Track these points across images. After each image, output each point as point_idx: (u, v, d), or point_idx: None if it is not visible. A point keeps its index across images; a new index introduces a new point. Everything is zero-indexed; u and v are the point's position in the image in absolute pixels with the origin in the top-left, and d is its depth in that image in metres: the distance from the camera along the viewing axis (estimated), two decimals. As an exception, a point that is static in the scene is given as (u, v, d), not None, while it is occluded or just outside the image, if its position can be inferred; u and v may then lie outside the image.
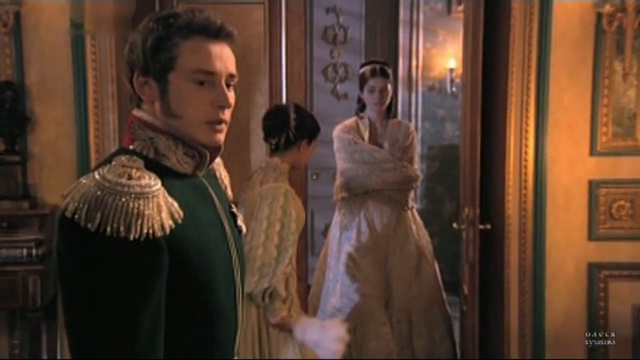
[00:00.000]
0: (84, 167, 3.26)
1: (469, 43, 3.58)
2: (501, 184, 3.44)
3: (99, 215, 1.17)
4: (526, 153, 3.37)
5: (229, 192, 1.64)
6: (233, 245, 1.46)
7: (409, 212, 3.90)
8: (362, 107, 3.90)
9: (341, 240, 3.88)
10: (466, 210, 3.43)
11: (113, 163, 1.26)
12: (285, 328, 2.68)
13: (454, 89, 5.76)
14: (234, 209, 1.57)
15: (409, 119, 5.73)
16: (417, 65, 5.80)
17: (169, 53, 1.35)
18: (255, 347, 2.71)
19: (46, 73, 3.31)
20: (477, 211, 3.31)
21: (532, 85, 3.35)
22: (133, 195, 1.21)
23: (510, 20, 3.35)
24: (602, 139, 3.37)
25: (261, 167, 2.87)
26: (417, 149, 4.10)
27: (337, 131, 3.92)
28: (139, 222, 1.19)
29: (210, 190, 1.48)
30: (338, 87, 5.95)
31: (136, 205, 1.20)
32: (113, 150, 3.38)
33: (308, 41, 5.07)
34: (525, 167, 3.38)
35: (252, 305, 2.70)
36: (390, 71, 3.83)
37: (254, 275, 2.66)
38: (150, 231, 1.20)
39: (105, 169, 1.23)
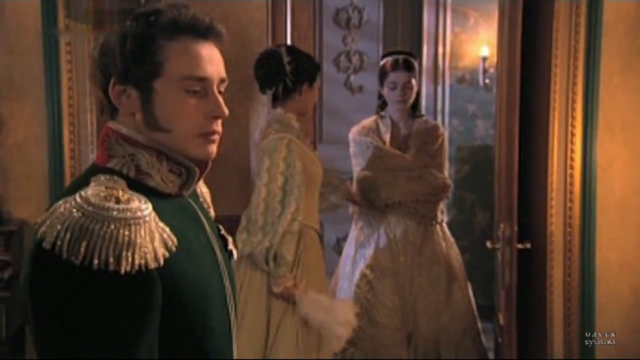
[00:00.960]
0: (57, 176, 3.26)
1: (505, 28, 3.57)
2: (543, 195, 3.42)
3: (84, 245, 1.17)
4: (572, 159, 3.36)
5: (212, 212, 1.65)
6: (225, 271, 1.48)
7: (438, 227, 3.85)
8: (382, 104, 3.85)
9: (356, 258, 3.84)
10: (501, 226, 3.42)
11: (93, 184, 1.25)
12: (289, 300, 2.80)
13: (487, 80, 5.72)
14: (223, 231, 1.58)
15: (435, 116, 5.71)
16: (444, 53, 5.77)
17: (154, 57, 1.34)
18: (257, 318, 2.85)
19: (14, 67, 3.32)
20: (515, 228, 3.29)
21: (580, 80, 3.34)
22: (123, 222, 1.20)
23: (553, 3, 3.32)
24: (662, 143, 3.34)
25: (267, 121, 3.08)
26: (447, 153, 4.03)
27: (353, 133, 3.87)
28: (130, 252, 1.19)
29: (199, 211, 1.48)
30: (352, 78, 5.92)
31: (126, 232, 1.19)
32: (92, 156, 3.45)
33: (317, 25, 5.06)
34: (572, 175, 3.36)
35: (256, 269, 2.84)
36: (415, 63, 3.77)
37: (257, 235, 2.80)
38: (143, 262, 1.20)
39: (89, 191, 1.22)
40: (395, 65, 3.69)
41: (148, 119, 1.36)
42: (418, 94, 3.81)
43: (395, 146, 3.80)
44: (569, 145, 3.36)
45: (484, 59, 5.71)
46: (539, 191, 3.47)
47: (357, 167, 3.83)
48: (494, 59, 5.67)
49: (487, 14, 5.67)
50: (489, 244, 3.64)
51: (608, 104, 3.34)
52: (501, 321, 3.62)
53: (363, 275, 3.74)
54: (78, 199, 1.21)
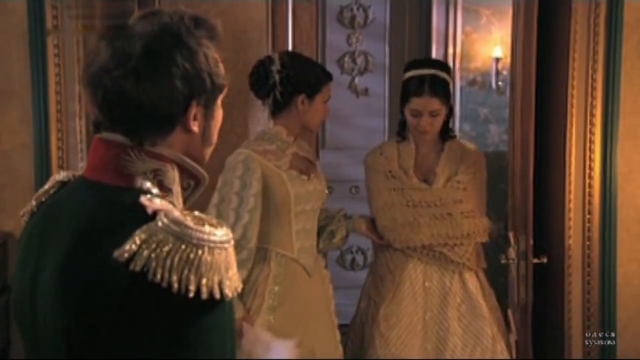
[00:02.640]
0: (43, 185, 3.23)
1: (519, 28, 3.57)
2: (560, 206, 3.40)
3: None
4: (591, 167, 3.34)
5: None
6: None
7: (474, 277, 3.30)
8: (402, 124, 3.36)
9: (370, 313, 3.32)
10: (516, 238, 3.40)
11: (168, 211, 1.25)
12: (238, 332, 2.59)
13: (500, 83, 5.69)
14: None
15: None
16: (455, 53, 5.75)
17: (221, 69, 1.41)
18: None
19: (-2, 70, 3.30)
20: (530, 241, 3.28)
21: (599, 84, 3.32)
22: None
23: (571, 2, 3.31)
24: (687, 152, 3.33)
25: (258, 133, 3.06)
26: (486, 185, 3.42)
27: (368, 158, 3.40)
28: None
29: None
30: (357, 80, 5.90)
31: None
32: (81, 165, 3.42)
33: (320, 25, 5.04)
34: (590, 185, 3.35)
35: None
36: (446, 81, 3.24)
37: None
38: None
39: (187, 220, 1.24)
40: (418, 89, 3.16)
41: (205, 135, 1.42)
42: (450, 109, 3.28)
43: (419, 176, 3.29)
44: (588, 153, 3.34)
45: (497, 60, 5.69)
46: (555, 202, 3.46)
47: (372, 200, 3.35)
48: (508, 60, 5.65)
49: (501, 13, 5.65)
50: (503, 259, 3.61)
51: (629, 109, 3.32)
52: (514, 339, 3.59)
53: (380, 335, 3.23)
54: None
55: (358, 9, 5.87)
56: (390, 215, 3.26)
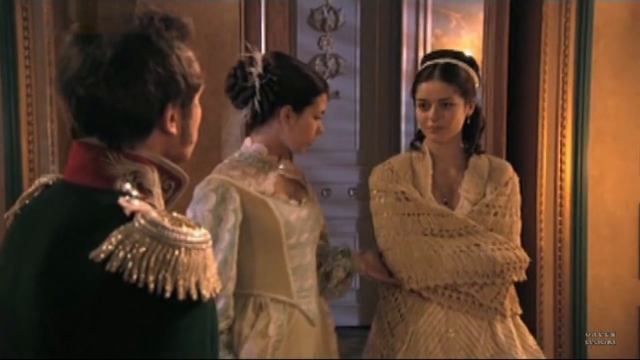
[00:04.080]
0: (14, 193, 3.20)
1: (491, 31, 3.58)
2: (532, 210, 3.42)
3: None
4: (562, 171, 3.37)
5: None
6: None
7: (509, 323, 2.68)
8: (418, 135, 2.77)
9: None
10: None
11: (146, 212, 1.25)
12: None
13: (470, 86, 5.75)
14: None
15: (415, 125, 5.71)
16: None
17: (195, 69, 1.40)
18: None
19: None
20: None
21: (570, 88, 3.36)
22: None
23: (542, 6, 3.35)
24: (655, 154, 3.38)
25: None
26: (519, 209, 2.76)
27: (375, 176, 2.74)
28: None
29: None
30: (328, 83, 5.91)
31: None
32: (53, 168, 3.39)
33: (292, 28, 5.04)
34: (562, 188, 3.38)
35: None
36: (466, 72, 2.63)
37: None
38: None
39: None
40: (429, 72, 2.60)
41: (184, 135, 1.42)
42: (472, 118, 2.67)
43: (439, 199, 2.67)
44: (559, 156, 3.38)
45: (467, 63, 5.74)
46: (527, 206, 3.46)
47: (379, 229, 2.69)
48: (478, 64, 5.71)
49: (470, 16, 5.69)
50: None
51: (599, 112, 3.37)
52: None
53: None
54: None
55: (329, 12, 5.88)
56: (404, 247, 2.61)
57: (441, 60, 2.61)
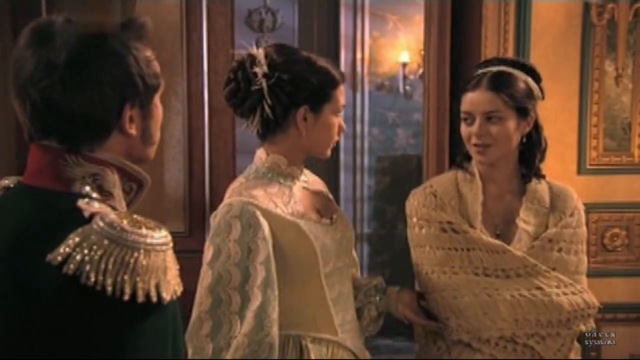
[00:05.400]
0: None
1: (432, 33, 3.60)
2: (474, 209, 3.44)
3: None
4: (502, 171, 3.40)
5: None
6: None
7: None
8: (466, 154, 2.33)
9: None
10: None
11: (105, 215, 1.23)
12: None
13: (407, 87, 5.81)
14: None
15: (354, 125, 5.74)
16: (363, 58, 5.84)
17: (153, 69, 1.39)
18: None
19: None
20: (447, 243, 3.29)
21: (509, 89, 3.39)
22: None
23: (482, 9, 3.39)
24: (592, 155, 3.45)
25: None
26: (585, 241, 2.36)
27: (415, 201, 2.34)
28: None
29: None
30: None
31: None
32: (9, 178, 3.25)
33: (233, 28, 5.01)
34: (502, 188, 3.40)
35: None
36: (521, 81, 2.24)
37: None
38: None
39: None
40: (477, 82, 2.23)
41: (145, 135, 1.40)
42: (529, 137, 2.28)
43: (491, 230, 2.26)
44: (499, 157, 3.42)
45: (404, 65, 5.80)
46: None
47: (421, 265, 2.28)
48: (414, 65, 5.78)
49: (407, 18, 5.76)
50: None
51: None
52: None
53: None
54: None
55: (267, 13, 5.88)
56: (452, 289, 2.20)
57: (494, 69, 2.25)
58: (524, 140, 2.26)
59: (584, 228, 2.32)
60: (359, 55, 5.83)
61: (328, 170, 5.30)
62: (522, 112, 2.21)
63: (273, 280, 1.90)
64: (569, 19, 3.40)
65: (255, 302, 1.87)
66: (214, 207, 3.59)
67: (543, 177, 2.33)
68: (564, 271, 2.22)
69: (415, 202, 2.31)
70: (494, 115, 2.17)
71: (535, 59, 3.37)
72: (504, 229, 2.25)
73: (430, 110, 3.62)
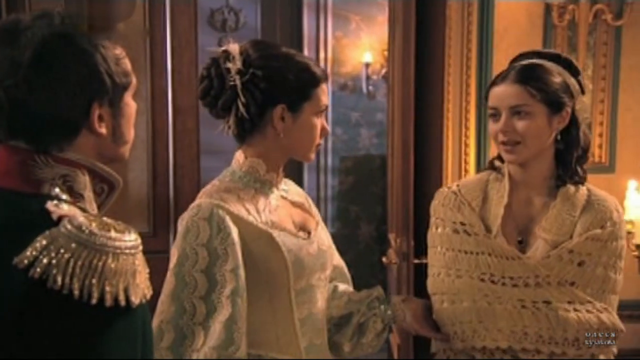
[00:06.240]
0: None
1: (397, 33, 3.62)
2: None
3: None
4: (466, 171, 3.43)
5: None
6: None
7: None
8: (498, 155, 2.20)
9: None
10: (397, 240, 3.44)
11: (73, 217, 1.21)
12: None
13: (370, 87, 5.83)
14: None
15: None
16: (326, 58, 5.84)
17: (122, 67, 1.37)
18: None
19: None
20: (412, 242, 3.27)
21: (472, 89, 3.41)
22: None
23: (445, 9, 3.41)
24: (554, 153, 3.48)
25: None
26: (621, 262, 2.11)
27: (436, 199, 2.22)
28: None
29: None
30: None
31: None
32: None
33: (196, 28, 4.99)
34: (466, 186, 3.42)
35: None
36: (558, 73, 2.07)
37: None
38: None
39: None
40: (505, 75, 2.09)
41: (117, 134, 1.38)
42: (565, 134, 2.09)
43: (512, 235, 2.11)
44: (463, 156, 3.44)
45: (367, 65, 5.82)
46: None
47: (431, 267, 2.18)
48: (377, 66, 5.80)
49: (369, 19, 5.78)
50: (385, 260, 3.66)
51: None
52: (398, 341, 3.66)
53: None
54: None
55: (229, 13, 5.86)
56: (452, 293, 2.07)
57: (525, 62, 2.10)
58: (559, 138, 2.09)
59: (621, 242, 2.07)
60: (322, 55, 5.83)
61: (292, 170, 5.29)
62: (555, 106, 2.03)
63: (243, 290, 1.77)
64: (531, 19, 3.44)
65: (224, 312, 1.74)
66: (178, 207, 3.59)
67: (583, 181, 2.11)
68: (584, 287, 2.01)
69: (436, 200, 2.20)
70: (521, 109, 2.01)
71: (497, 59, 3.41)
72: (527, 235, 2.09)
73: (395, 111, 3.64)
